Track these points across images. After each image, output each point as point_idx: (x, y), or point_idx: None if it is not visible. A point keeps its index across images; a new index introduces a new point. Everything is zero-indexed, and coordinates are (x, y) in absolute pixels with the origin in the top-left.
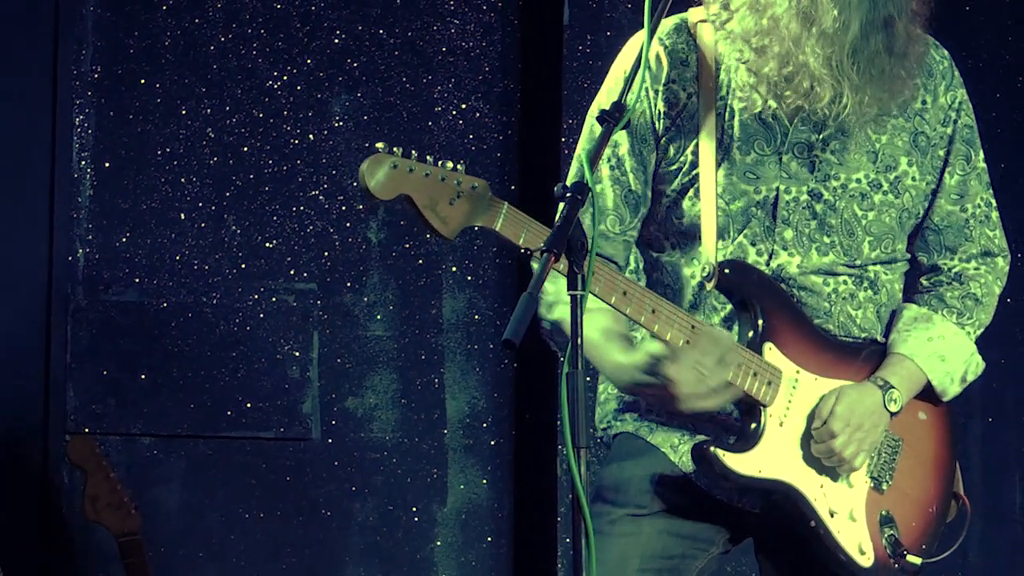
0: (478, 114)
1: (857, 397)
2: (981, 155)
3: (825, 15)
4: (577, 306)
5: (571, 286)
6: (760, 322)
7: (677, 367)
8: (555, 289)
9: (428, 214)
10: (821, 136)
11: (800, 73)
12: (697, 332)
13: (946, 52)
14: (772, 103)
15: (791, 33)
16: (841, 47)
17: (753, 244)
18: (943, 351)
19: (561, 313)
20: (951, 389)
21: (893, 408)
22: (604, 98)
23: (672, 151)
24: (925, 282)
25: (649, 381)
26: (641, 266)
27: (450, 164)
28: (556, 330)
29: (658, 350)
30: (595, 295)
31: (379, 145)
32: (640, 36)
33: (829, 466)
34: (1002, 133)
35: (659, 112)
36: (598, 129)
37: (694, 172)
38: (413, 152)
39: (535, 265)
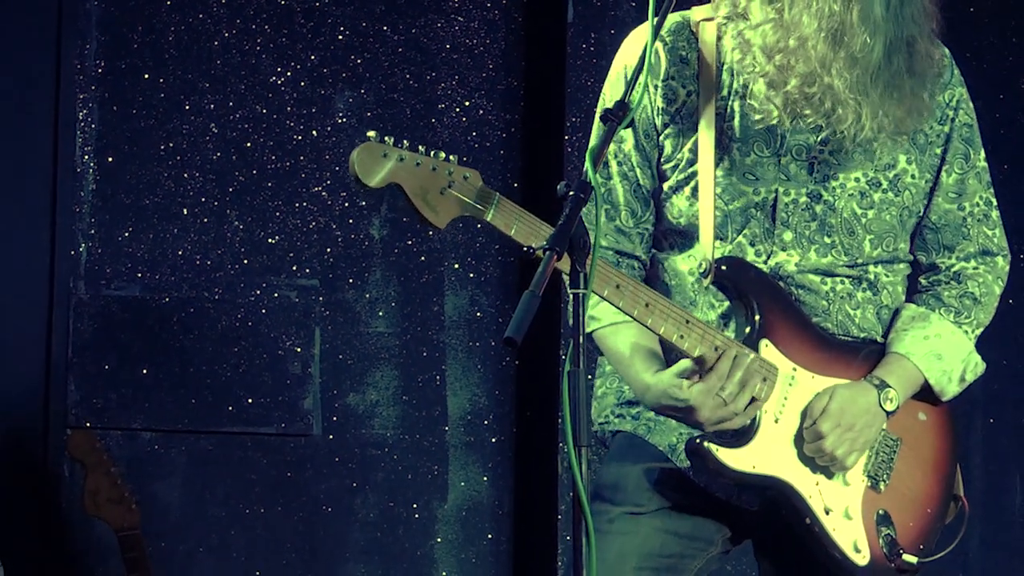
0: (481, 111)
1: (850, 396)
2: (982, 154)
3: (855, 39)
4: (579, 304)
5: (573, 284)
6: (757, 318)
7: (698, 393)
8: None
9: (418, 203)
10: (819, 138)
11: (823, 94)
12: (719, 351)
13: (946, 50)
14: (788, 118)
15: (818, 54)
16: (865, 69)
17: (752, 245)
18: (940, 350)
19: (590, 327)
20: (949, 388)
21: (889, 407)
22: (607, 92)
23: (669, 147)
24: (924, 281)
25: (673, 404)
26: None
27: (442, 154)
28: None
29: (681, 370)
30: None
31: (370, 134)
32: (639, 31)
33: (822, 464)
34: (1005, 133)
35: (658, 108)
36: (602, 127)
37: (691, 169)
38: (404, 141)
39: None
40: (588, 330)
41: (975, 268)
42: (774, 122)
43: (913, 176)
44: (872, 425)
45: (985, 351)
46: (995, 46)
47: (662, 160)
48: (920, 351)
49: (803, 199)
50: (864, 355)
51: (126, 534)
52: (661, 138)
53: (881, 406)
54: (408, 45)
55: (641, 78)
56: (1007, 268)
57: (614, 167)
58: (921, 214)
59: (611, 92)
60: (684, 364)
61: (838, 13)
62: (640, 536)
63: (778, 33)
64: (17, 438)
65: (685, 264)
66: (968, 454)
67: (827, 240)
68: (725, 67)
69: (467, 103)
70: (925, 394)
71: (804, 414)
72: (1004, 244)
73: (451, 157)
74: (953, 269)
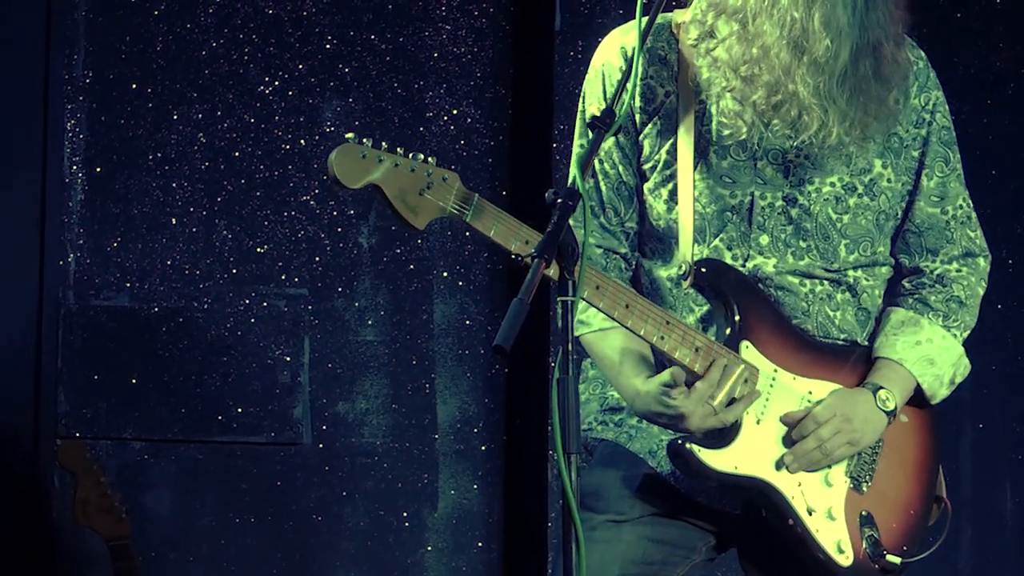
0: (469, 120)
1: (848, 394)
2: (957, 155)
3: (817, 44)
4: (568, 312)
5: (562, 291)
6: (737, 320)
7: (688, 400)
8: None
9: (397, 204)
10: (794, 143)
11: (789, 102)
12: (703, 353)
13: (922, 53)
14: (757, 131)
15: (781, 62)
16: (831, 75)
17: (729, 249)
18: (932, 355)
19: (579, 331)
20: (940, 392)
21: (887, 407)
22: (587, 91)
23: (648, 147)
24: (907, 284)
25: (662, 411)
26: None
27: (421, 156)
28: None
29: (669, 379)
30: None
31: (348, 135)
32: (617, 32)
33: (808, 460)
34: (993, 139)
35: (637, 106)
36: (588, 133)
37: (668, 171)
38: (383, 143)
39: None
40: (577, 334)
41: (958, 270)
42: (743, 137)
43: (889, 180)
44: (869, 422)
45: (973, 355)
46: (983, 51)
47: (641, 160)
48: (913, 357)
49: (779, 203)
50: (854, 360)
51: (116, 544)
52: (640, 137)
53: (880, 407)
54: (396, 54)
55: (628, 85)
56: (988, 269)
57: (595, 165)
58: (899, 217)
59: (590, 90)
60: (668, 375)
61: (799, 20)
62: (622, 544)
63: (742, 45)
64: (7, 449)
65: (664, 270)
66: (957, 458)
67: (802, 244)
68: (703, 75)
69: (455, 111)
70: (912, 397)
71: (787, 416)
72: (984, 245)
73: (430, 159)
74: (936, 272)
